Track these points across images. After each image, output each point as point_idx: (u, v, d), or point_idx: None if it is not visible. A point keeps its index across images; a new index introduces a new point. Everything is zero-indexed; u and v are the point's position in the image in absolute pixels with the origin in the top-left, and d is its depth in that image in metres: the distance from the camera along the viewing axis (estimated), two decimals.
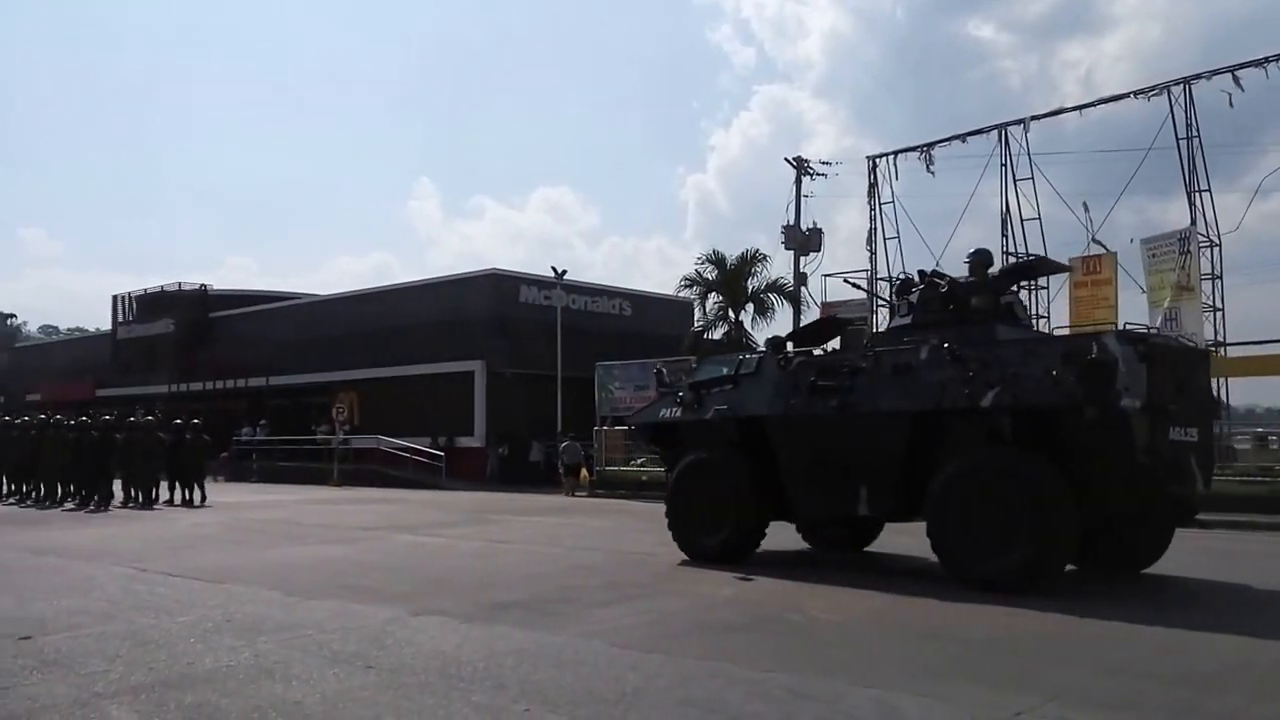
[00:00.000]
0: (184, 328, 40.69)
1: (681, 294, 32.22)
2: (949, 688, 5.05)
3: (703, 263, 30.50)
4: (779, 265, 37.34)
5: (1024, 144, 25.32)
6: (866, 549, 11.00)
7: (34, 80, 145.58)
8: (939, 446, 8.38)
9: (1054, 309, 24.13)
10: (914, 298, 9.37)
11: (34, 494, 20.43)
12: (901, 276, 10.34)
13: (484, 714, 4.61)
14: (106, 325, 46.43)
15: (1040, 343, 8.41)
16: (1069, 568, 8.50)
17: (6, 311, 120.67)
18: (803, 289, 31.04)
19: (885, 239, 28.12)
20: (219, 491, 23.34)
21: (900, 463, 8.60)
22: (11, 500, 20.53)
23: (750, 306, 29.55)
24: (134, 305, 44.13)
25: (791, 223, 32.05)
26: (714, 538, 9.78)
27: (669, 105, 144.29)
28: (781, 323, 30.30)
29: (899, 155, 27.93)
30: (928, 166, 26.95)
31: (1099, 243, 23.13)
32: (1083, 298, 22.96)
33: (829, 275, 40.24)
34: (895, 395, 8.51)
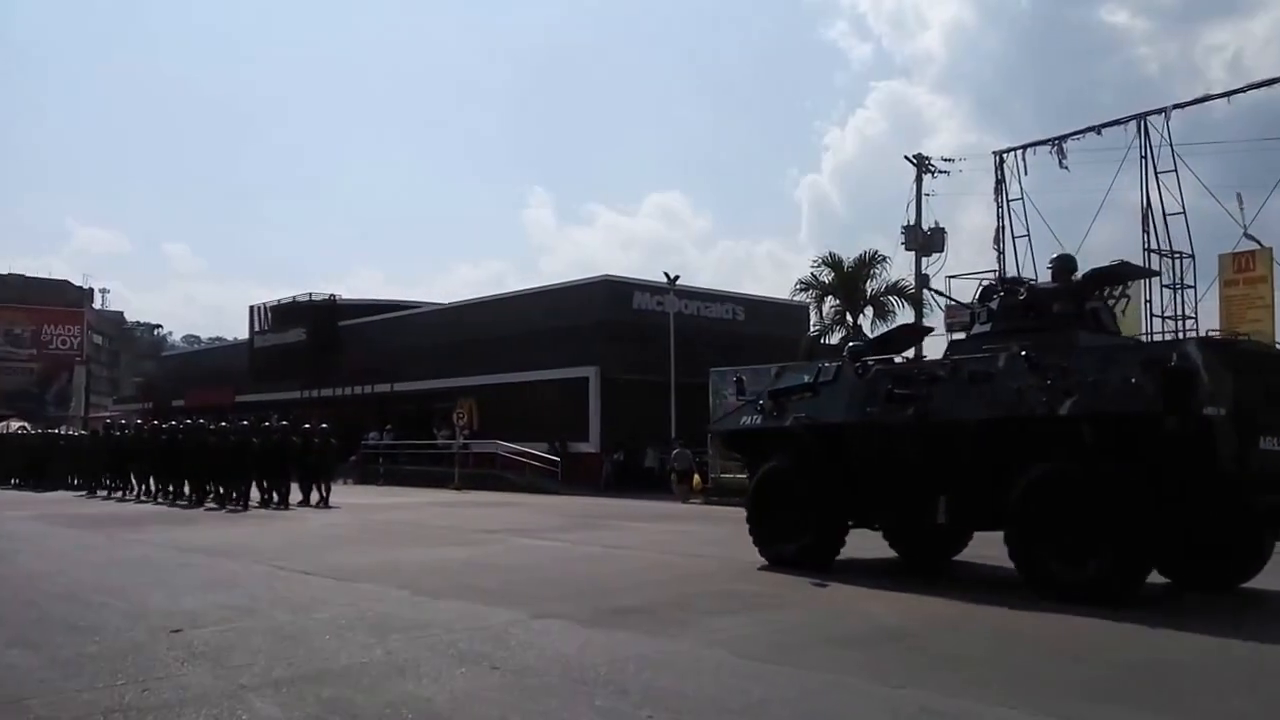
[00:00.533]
0: (314, 336, 42.24)
1: (796, 298, 31.86)
2: (1094, 710, 4.84)
3: (819, 265, 30.08)
4: (899, 267, 36.36)
5: (1165, 134, 24.11)
6: (956, 558, 10.66)
7: (177, 107, 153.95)
8: (1018, 455, 8.21)
9: (1203, 309, 22.91)
10: (994, 305, 9.25)
11: (180, 495, 21.53)
12: (989, 283, 10.16)
13: (608, 719, 4.64)
14: (244, 334, 48.59)
15: (1120, 350, 8.22)
16: (1165, 580, 8.36)
17: (154, 322, 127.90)
18: (925, 291, 30.05)
19: (1014, 237, 27.18)
20: (347, 494, 24.15)
21: (978, 472, 8.51)
22: (161, 500, 21.68)
23: (869, 310, 28.92)
24: (269, 315, 46.06)
25: (912, 223, 31.10)
26: (793, 544, 9.83)
27: (782, 105, 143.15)
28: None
29: (1027, 149, 26.95)
30: (1060, 161, 25.88)
31: (1252, 238, 21.85)
32: (1235, 297, 21.71)
33: (953, 276, 38.95)
34: (972, 403, 8.42)
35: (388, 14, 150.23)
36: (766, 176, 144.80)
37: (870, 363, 9.54)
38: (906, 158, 31.83)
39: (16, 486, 28.71)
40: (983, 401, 8.35)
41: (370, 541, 13.06)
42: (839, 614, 7.46)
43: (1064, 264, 9.33)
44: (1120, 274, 10.49)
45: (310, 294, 44.36)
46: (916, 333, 11.26)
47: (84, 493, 24.61)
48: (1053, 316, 8.78)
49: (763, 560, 10.43)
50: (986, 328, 9.20)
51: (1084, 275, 9.33)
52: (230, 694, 5.04)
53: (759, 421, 10.24)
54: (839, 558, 10.00)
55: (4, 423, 47.37)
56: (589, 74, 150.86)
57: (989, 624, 7.07)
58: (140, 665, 5.66)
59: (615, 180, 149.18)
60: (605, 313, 31.05)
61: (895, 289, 29.06)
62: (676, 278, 30.16)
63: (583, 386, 30.29)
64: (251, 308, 47.06)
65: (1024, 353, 8.22)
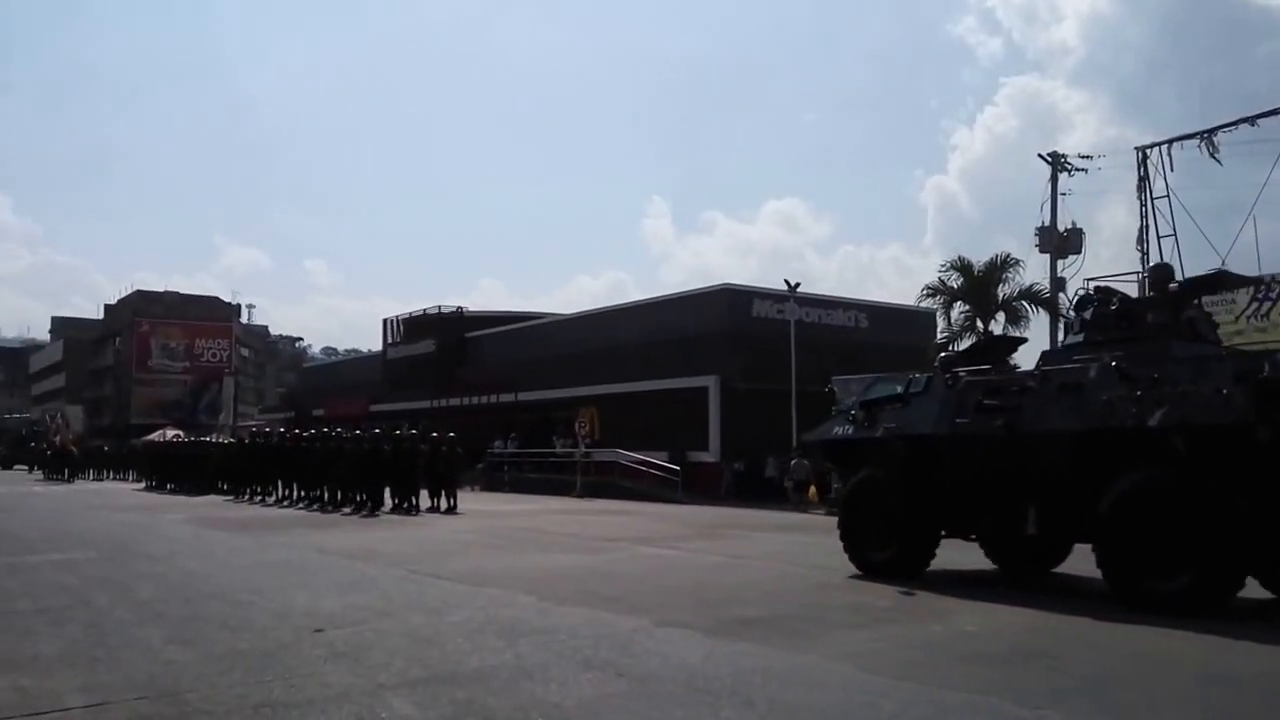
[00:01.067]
0: (443, 347, 43.45)
1: (923, 304, 30.95)
2: None
3: (946, 270, 29.12)
4: (1033, 270, 34.87)
5: None
6: (1055, 570, 10.38)
7: (312, 130, 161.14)
8: (1107, 466, 8.15)
9: None
10: (1088, 315, 9.25)
11: (318, 500, 22.43)
12: (1085, 293, 10.15)
13: None
14: (378, 346, 50.38)
15: (1212, 361, 8.12)
16: (1266, 595, 8.30)
17: (295, 335, 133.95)
18: (1061, 295, 28.63)
19: (1159, 237, 25.83)
20: (474, 501, 24.69)
21: (1068, 483, 8.47)
22: (301, 505, 22.62)
23: (1001, 315, 27.85)
24: (400, 328, 47.63)
25: (1046, 223, 29.80)
26: (883, 553, 9.94)
27: (906, 105, 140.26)
28: (1036, 331, 28.28)
29: (1173, 144, 25.56)
30: (1212, 154, 24.42)
31: None
32: None
33: (1092, 279, 37.24)
34: (1062, 414, 8.41)
35: (509, 30, 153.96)
36: (890, 179, 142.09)
37: (961, 373, 9.58)
38: (1040, 156, 30.40)
39: (172, 491, 30.43)
40: (1072, 412, 8.33)
41: (497, 547, 13.30)
42: (969, 630, 7.20)
43: (1160, 273, 9.34)
44: (1217, 283, 10.18)
45: (439, 306, 45.66)
46: (1009, 344, 11.13)
47: (232, 497, 25.88)
48: (1146, 326, 8.73)
49: (861, 571, 10.30)
50: (1079, 338, 9.21)
51: (1180, 285, 9.24)
52: (369, 692, 5.20)
53: (850, 432, 10.41)
54: (934, 569, 9.95)
55: (160, 431, 50.41)
56: (708, 82, 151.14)
57: (1127, 642, 6.71)
58: (286, 663, 5.90)
59: (733, 188, 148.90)
60: (725, 321, 30.93)
61: (1029, 294, 27.88)
62: (797, 285, 29.80)
63: (703, 396, 30.23)
64: (385, 320, 48.80)
65: (1115, 363, 8.22)
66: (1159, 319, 8.74)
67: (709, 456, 29.79)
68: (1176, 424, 7.67)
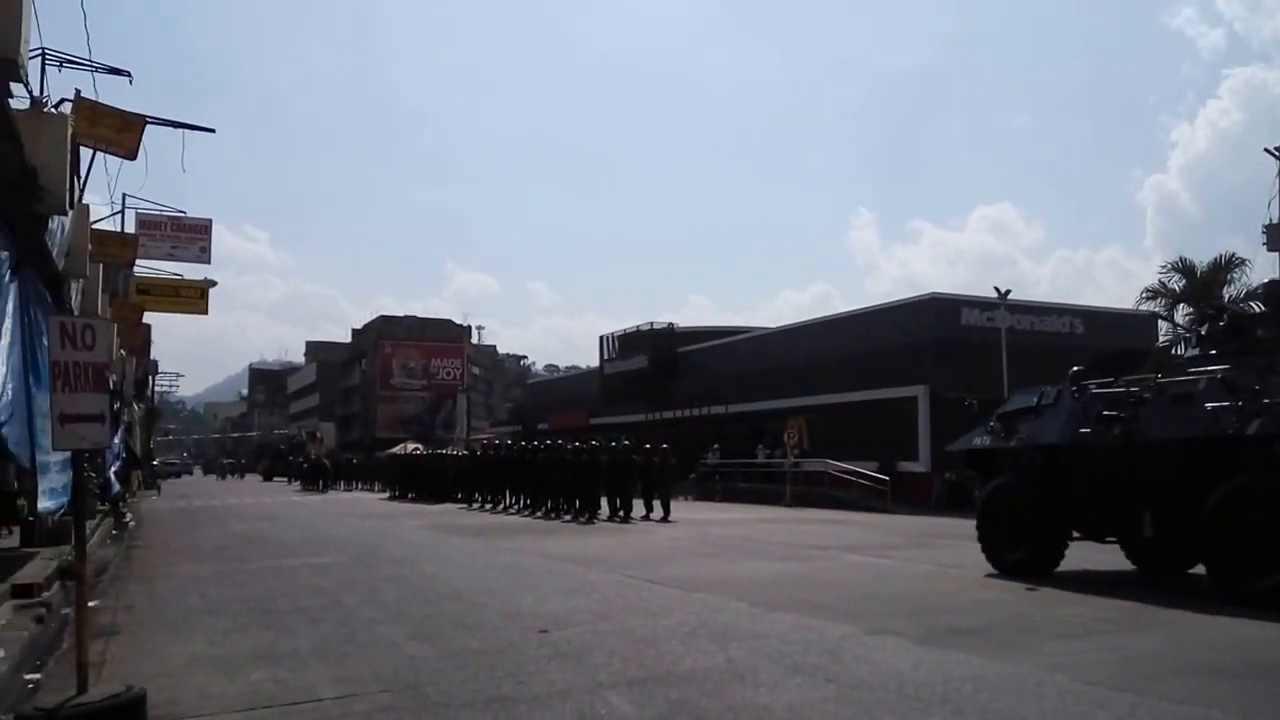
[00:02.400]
0: (655, 362, 44.29)
1: (1143, 307, 28.86)
2: None
3: (1167, 272, 27.05)
4: (1260, 269, 31.57)
5: None
6: (1191, 570, 10.45)
7: (527, 156, 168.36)
8: (1212, 473, 8.66)
9: None
10: (1204, 329, 9.95)
11: (541, 507, 23.45)
12: (1207, 309, 11.03)
13: None
14: (596, 362, 51.98)
15: None
16: None
17: (519, 353, 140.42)
18: None
19: None
20: (686, 509, 25.04)
21: (1178, 488, 9.00)
22: (527, 512, 23.71)
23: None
24: (615, 344, 48.92)
25: (1275, 220, 27.17)
26: (1016, 553, 10.72)
27: (1121, 103, 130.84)
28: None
29: None
30: None
31: None
32: None
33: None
34: (1172, 424, 8.96)
35: (715, 53, 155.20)
36: (1106, 180, 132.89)
37: (1087, 386, 10.17)
38: (1268, 150, 27.70)
39: (413, 499, 32.65)
40: (1181, 422, 8.87)
41: (708, 554, 13.49)
42: (1198, 643, 6.70)
43: (1272, 290, 10.04)
44: None
45: (651, 323, 46.56)
46: (1136, 357, 12.10)
47: (466, 505, 27.46)
48: (1256, 341, 9.20)
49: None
50: (1195, 352, 9.91)
51: None
52: (590, 690, 5.47)
53: (988, 442, 11.29)
54: (1066, 569, 10.51)
55: (402, 444, 54.08)
56: (911, 91, 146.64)
57: None
58: (514, 660, 6.30)
59: (941, 196, 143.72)
60: (933, 331, 29.92)
61: (1256, 295, 25.36)
62: (1008, 292, 28.45)
63: (911, 406, 29.36)
64: (601, 338, 50.23)
65: (1221, 376, 8.76)
66: (1269, 334, 9.21)
67: (919, 467, 28.87)
68: (1273, 433, 8.15)
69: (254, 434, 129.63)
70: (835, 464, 29.51)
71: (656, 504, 21.56)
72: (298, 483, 52.97)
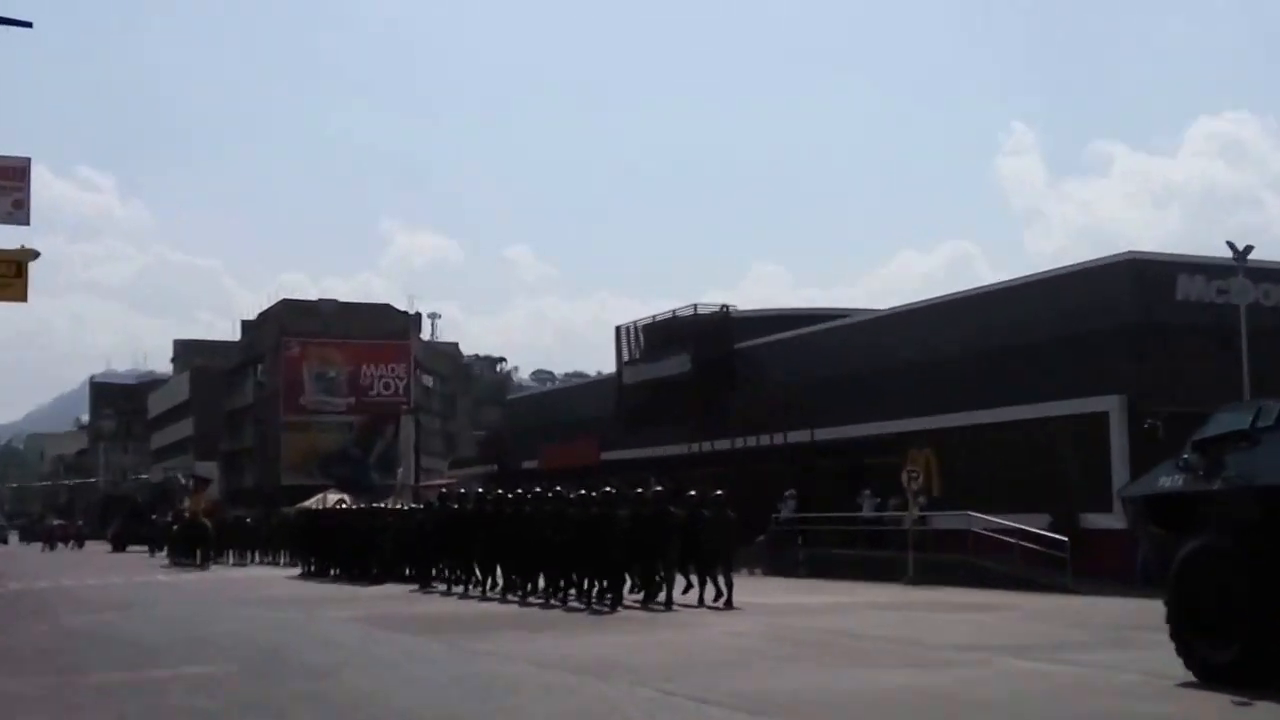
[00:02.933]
0: (702, 365, 43.99)
1: None
2: None
3: None
4: None
5: None
6: None
7: (510, 78, 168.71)
8: None
9: None
10: None
11: (533, 588, 23.39)
12: None
13: None
14: (609, 367, 51.95)
15: None
16: None
17: (495, 355, 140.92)
18: None
19: None
20: (755, 589, 24.88)
21: None
22: (510, 596, 23.66)
23: None
24: (639, 338, 48.66)
25: None
26: (1222, 652, 10.61)
27: None
28: None
29: None
30: None
31: None
32: None
33: None
34: None
35: None
36: None
37: None
38: None
39: (337, 578, 32.67)
40: None
41: (789, 658, 13.42)
42: None
43: None
44: None
45: (694, 306, 46.23)
46: None
47: (417, 586, 27.48)
48: None
49: (1196, 676, 10.81)
50: None
51: None
52: None
53: (1179, 483, 11.33)
54: None
55: (320, 496, 54.16)
56: None
57: None
58: None
59: (1140, 103, 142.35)
60: (1131, 310, 29.59)
61: None
62: (1248, 249, 28.08)
63: (1100, 426, 29.00)
64: (618, 330, 49.93)
65: None
66: None
67: (1113, 520, 28.52)
68: None
69: (98, 480, 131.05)
70: (983, 518, 29.24)
71: (709, 581, 21.44)
72: (164, 554, 53.12)
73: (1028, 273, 33.86)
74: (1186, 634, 11.06)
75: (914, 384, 34.07)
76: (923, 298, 38.20)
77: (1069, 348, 30.00)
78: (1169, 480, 11.58)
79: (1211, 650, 10.75)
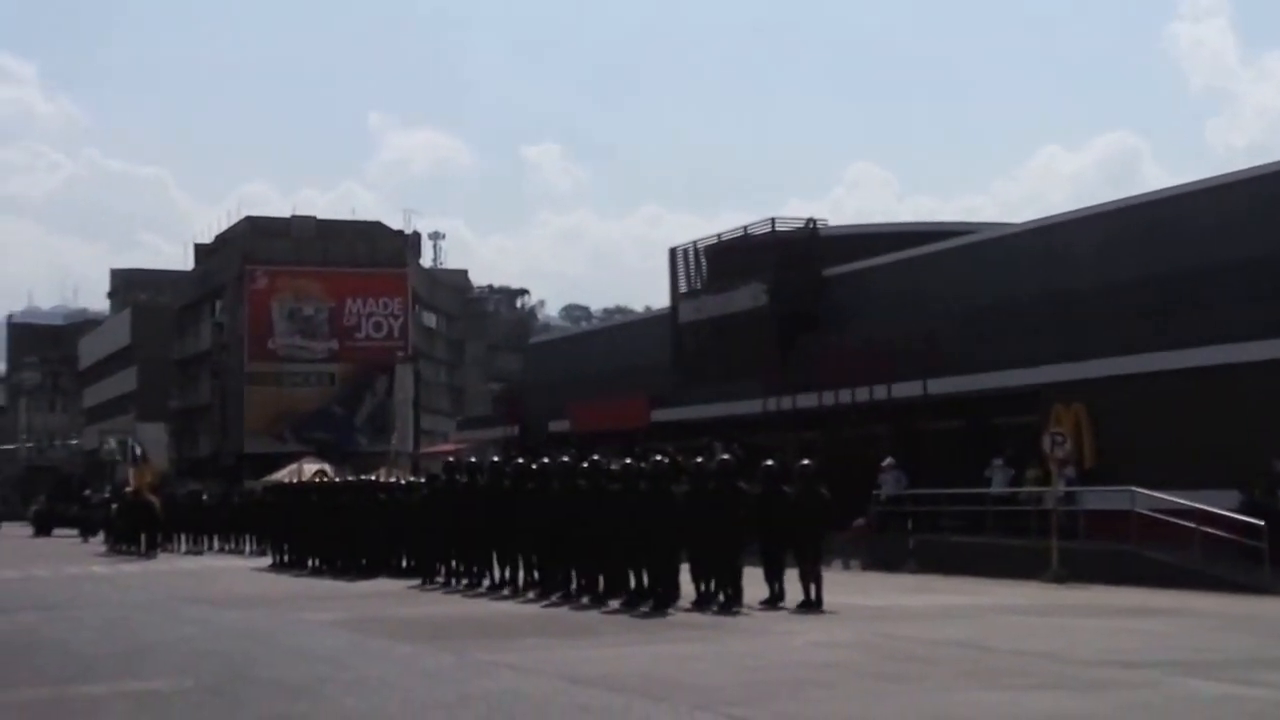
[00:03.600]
0: (782, 297, 43.93)
1: None
2: None
3: None
4: None
5: None
6: None
7: None
8: None
9: None
10: None
11: (562, 584, 23.44)
12: None
13: None
14: (659, 301, 51.95)
15: None
16: None
17: (513, 287, 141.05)
18: None
19: None
20: (850, 586, 24.87)
21: None
22: (533, 595, 23.75)
23: None
24: (699, 262, 48.64)
25: None
26: None
27: None
28: None
29: None
30: None
31: None
32: None
33: None
34: None
35: None
36: None
37: None
38: None
39: (316, 571, 32.97)
40: None
41: (892, 676, 13.36)
42: None
43: None
44: None
45: (771, 221, 46.22)
46: None
47: (417, 581, 27.62)
48: None
49: None
50: None
51: None
52: None
53: None
54: None
55: (294, 466, 54.75)
56: None
57: None
58: None
59: None
60: None
61: None
62: None
63: None
64: (672, 252, 50.03)
65: None
66: None
67: None
68: None
69: (17, 446, 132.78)
70: (1150, 495, 29.03)
71: (788, 576, 21.46)
72: (99, 539, 53.74)
73: (1212, 174, 33.51)
74: None
75: (1059, 321, 33.88)
76: (1071, 208, 37.89)
77: (1267, 272, 29.71)
78: None
79: None
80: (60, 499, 74.98)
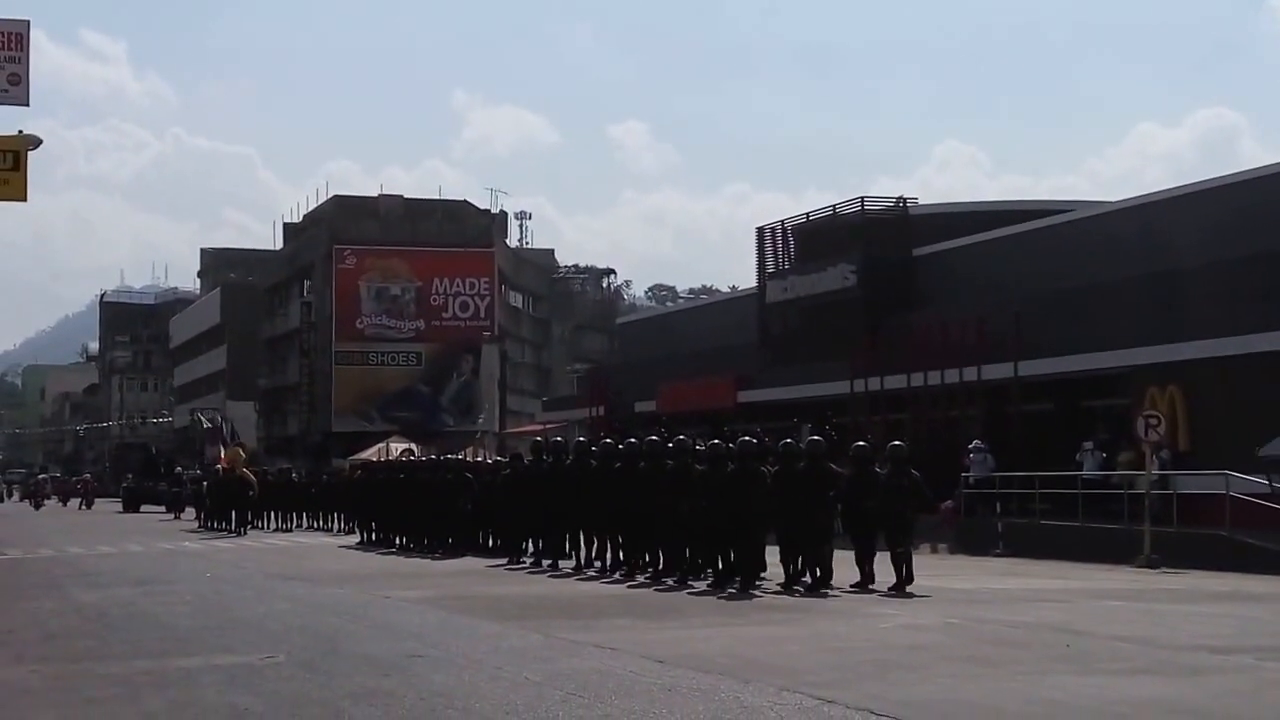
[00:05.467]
0: (872, 278, 43.77)
1: None
2: None
3: None
4: None
5: None
6: None
7: None
8: None
9: None
10: None
11: (649, 564, 23.50)
12: None
13: None
14: (746, 281, 51.86)
15: None
16: None
17: (599, 266, 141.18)
18: None
19: None
20: (938, 569, 24.79)
21: None
22: (621, 574, 23.82)
23: None
24: (790, 243, 48.54)
25: None
26: None
27: None
28: None
29: None
30: None
31: None
32: None
33: None
34: None
35: None
36: None
37: None
38: None
39: (403, 549, 33.28)
40: None
41: (982, 660, 13.36)
42: None
43: None
44: None
45: (862, 200, 46.04)
46: None
47: (504, 560, 27.79)
48: None
49: None
50: None
51: None
52: None
53: None
54: None
55: (382, 445, 55.07)
56: None
57: None
58: None
59: None
60: None
61: None
62: None
63: None
64: (760, 231, 49.95)
65: None
66: None
67: None
68: None
69: (112, 424, 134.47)
70: (1247, 480, 28.74)
71: (878, 558, 21.41)
72: (190, 515, 54.37)
73: None
74: None
75: (1154, 301, 33.59)
76: (1167, 185, 37.54)
77: None
78: None
79: None
80: (148, 476, 75.85)
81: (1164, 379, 32.08)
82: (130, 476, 78.75)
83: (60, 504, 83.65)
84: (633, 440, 25.78)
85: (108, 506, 75.37)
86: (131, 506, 71.33)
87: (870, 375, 41.75)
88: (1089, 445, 33.09)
